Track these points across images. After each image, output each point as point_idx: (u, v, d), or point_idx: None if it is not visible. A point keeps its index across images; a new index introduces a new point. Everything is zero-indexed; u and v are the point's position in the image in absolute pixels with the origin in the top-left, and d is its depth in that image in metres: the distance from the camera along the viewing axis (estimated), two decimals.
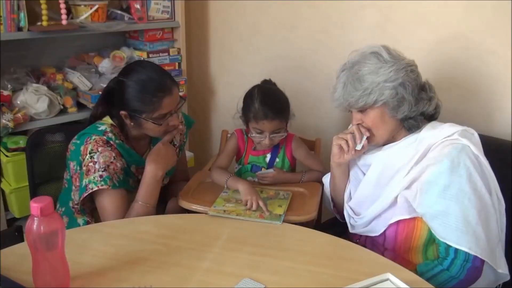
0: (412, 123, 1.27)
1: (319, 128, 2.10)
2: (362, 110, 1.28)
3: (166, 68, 2.23)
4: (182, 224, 1.29)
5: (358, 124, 1.30)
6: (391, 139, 1.32)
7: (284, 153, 1.63)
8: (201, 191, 1.51)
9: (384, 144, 1.33)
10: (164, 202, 1.53)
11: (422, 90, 1.27)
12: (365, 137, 1.30)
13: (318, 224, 1.74)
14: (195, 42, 2.50)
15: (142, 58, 2.18)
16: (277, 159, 1.64)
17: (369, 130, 1.30)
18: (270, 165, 1.64)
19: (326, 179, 1.52)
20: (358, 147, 1.31)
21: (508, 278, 1.22)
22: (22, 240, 1.19)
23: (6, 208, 1.97)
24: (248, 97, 1.56)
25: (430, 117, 1.31)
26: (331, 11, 1.94)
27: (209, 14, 2.41)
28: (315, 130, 2.07)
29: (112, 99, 1.44)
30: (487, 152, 1.22)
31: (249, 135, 1.59)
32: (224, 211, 1.34)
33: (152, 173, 1.39)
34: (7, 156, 1.87)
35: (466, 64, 1.61)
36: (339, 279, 1.04)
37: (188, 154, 2.26)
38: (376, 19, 1.80)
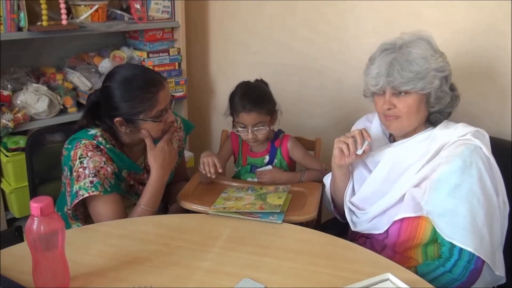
0: (438, 117, 1.28)
1: (319, 128, 2.10)
2: (401, 94, 1.24)
3: (166, 68, 2.23)
4: (182, 224, 1.29)
5: (361, 130, 1.30)
6: (412, 133, 1.31)
7: (281, 154, 1.64)
8: (201, 191, 1.51)
9: (390, 138, 1.35)
10: (163, 201, 1.53)
11: (453, 89, 1.28)
12: (366, 142, 1.30)
13: (318, 224, 1.74)
14: (195, 42, 2.50)
15: (142, 58, 2.18)
16: (275, 160, 1.64)
17: (399, 116, 1.26)
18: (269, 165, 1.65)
19: (327, 179, 1.52)
20: (359, 152, 1.31)
21: (504, 280, 1.22)
22: (22, 240, 1.19)
23: (6, 208, 1.97)
24: (231, 94, 1.59)
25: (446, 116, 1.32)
26: (330, 13, 1.94)
27: (209, 14, 2.41)
28: (315, 130, 2.07)
29: (98, 112, 1.41)
30: (494, 153, 1.23)
31: (234, 130, 1.61)
32: (224, 207, 1.34)
33: (159, 178, 1.39)
34: (7, 156, 1.87)
35: (465, 64, 1.61)
36: (339, 279, 1.04)
37: (188, 154, 2.26)
38: (372, 19, 1.81)
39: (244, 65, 2.34)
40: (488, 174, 1.17)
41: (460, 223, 1.15)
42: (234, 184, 1.57)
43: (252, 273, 1.06)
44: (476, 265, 1.15)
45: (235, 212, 1.31)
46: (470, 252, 1.14)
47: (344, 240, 1.22)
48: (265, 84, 1.65)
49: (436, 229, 1.19)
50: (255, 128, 1.55)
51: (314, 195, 1.49)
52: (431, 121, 1.30)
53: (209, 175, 1.45)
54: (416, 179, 1.23)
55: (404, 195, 1.25)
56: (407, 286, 0.96)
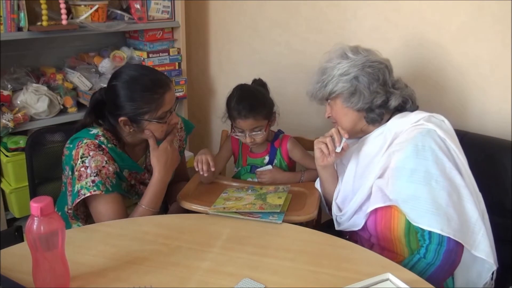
0: (372, 116, 1.35)
1: (319, 128, 2.10)
2: (329, 102, 1.41)
3: (166, 68, 2.23)
4: (182, 224, 1.29)
5: (337, 128, 1.36)
6: (360, 132, 1.40)
7: (280, 154, 1.64)
8: (201, 191, 1.51)
9: (356, 137, 1.42)
10: (164, 201, 1.53)
11: (382, 85, 1.33)
12: (344, 139, 1.33)
13: (318, 224, 1.74)
14: (195, 42, 2.51)
15: (142, 58, 2.18)
16: (275, 161, 1.64)
17: (335, 122, 1.41)
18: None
19: (318, 184, 1.53)
20: (338, 150, 1.34)
21: (495, 267, 1.22)
22: (22, 240, 1.19)
23: (6, 208, 1.97)
24: (228, 98, 1.58)
25: (399, 111, 1.37)
26: (331, 13, 1.94)
27: (209, 14, 2.41)
28: (315, 130, 2.07)
29: (101, 110, 1.41)
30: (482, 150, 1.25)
31: (232, 134, 1.61)
32: (224, 208, 1.34)
33: (162, 179, 1.39)
34: (7, 156, 1.87)
35: (462, 61, 1.61)
36: (339, 279, 1.04)
37: (188, 154, 2.26)
38: (374, 19, 1.81)
39: (244, 65, 2.34)
40: (446, 155, 1.20)
41: (423, 207, 1.16)
42: (234, 184, 1.57)
43: (252, 273, 1.06)
44: (448, 246, 1.15)
45: (235, 212, 1.31)
46: (439, 234, 1.15)
47: (344, 240, 1.22)
48: (263, 85, 1.64)
49: (406, 216, 1.20)
50: (253, 133, 1.54)
51: (314, 195, 1.49)
52: (366, 120, 1.36)
53: (201, 172, 1.45)
54: (378, 170, 1.28)
55: (371, 188, 1.29)
56: (407, 286, 0.96)
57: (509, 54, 1.49)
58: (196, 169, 1.47)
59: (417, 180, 1.18)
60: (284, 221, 1.30)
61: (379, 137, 1.34)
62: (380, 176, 1.28)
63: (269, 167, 1.62)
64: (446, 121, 1.29)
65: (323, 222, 1.73)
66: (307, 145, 1.75)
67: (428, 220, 1.16)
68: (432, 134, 1.22)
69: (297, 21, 2.07)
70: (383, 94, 1.33)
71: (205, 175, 1.46)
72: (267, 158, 1.64)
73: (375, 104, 1.33)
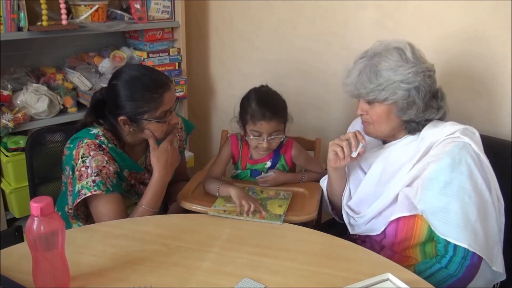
0: (414, 126, 1.30)
1: (319, 128, 2.10)
2: (370, 102, 1.29)
3: (166, 68, 2.23)
4: (182, 224, 1.29)
5: (355, 132, 1.31)
6: (391, 137, 1.34)
7: (284, 160, 1.62)
8: (201, 191, 1.51)
9: (383, 140, 1.36)
10: (164, 201, 1.53)
11: (434, 97, 1.28)
12: (361, 145, 1.30)
13: (318, 224, 1.74)
14: (195, 42, 2.50)
15: (142, 58, 2.18)
16: (278, 164, 1.61)
17: (370, 123, 1.32)
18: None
19: (323, 182, 1.52)
20: (354, 155, 1.31)
21: (504, 277, 1.22)
22: (22, 240, 1.19)
23: (6, 208, 1.96)
24: (245, 100, 1.53)
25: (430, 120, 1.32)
26: (333, 11, 1.94)
27: (209, 14, 2.41)
28: (315, 130, 2.08)
29: (102, 110, 1.42)
30: (487, 152, 1.23)
31: (246, 138, 1.55)
32: (224, 211, 1.34)
33: (161, 179, 1.39)
34: (7, 156, 1.87)
35: (466, 62, 1.61)
36: (339, 279, 1.04)
37: (188, 154, 2.26)
38: (378, 19, 1.80)
39: (244, 65, 2.34)
40: (479, 170, 1.18)
41: (453, 220, 1.15)
42: (235, 184, 1.56)
43: (252, 273, 1.06)
44: (472, 260, 1.15)
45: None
46: (465, 248, 1.15)
47: (344, 240, 1.22)
48: (271, 89, 1.59)
49: (431, 227, 1.19)
50: (271, 137, 1.49)
51: (314, 195, 1.49)
52: (408, 129, 1.31)
53: (250, 215, 1.33)
54: (407, 178, 1.24)
55: (397, 195, 1.26)
56: (407, 286, 0.96)
57: (509, 52, 1.49)
58: (244, 216, 1.33)
59: (450, 193, 1.16)
60: (284, 221, 1.30)
61: (410, 145, 1.29)
62: (409, 185, 1.24)
63: (271, 173, 1.58)
64: (476, 133, 1.25)
65: (323, 222, 1.73)
66: (307, 145, 1.76)
67: (457, 235, 1.15)
68: (468, 148, 1.19)
69: (298, 22, 2.07)
70: (436, 109, 1.28)
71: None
72: (268, 164, 1.61)
73: (425, 118, 1.28)
